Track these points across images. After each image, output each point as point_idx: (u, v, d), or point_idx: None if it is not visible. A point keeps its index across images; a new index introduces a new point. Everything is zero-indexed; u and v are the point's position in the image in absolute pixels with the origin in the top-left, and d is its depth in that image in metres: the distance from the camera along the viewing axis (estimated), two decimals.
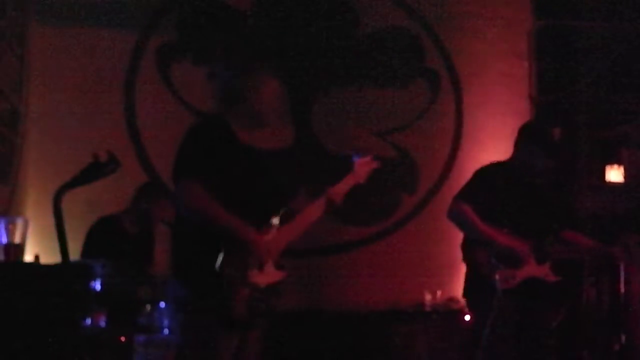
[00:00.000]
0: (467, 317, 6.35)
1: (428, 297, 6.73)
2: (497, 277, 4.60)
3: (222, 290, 3.54)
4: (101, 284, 4.93)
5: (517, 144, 4.93)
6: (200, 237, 3.61)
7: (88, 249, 5.66)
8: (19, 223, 4.47)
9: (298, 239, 3.90)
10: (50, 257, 4.94)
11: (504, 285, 4.59)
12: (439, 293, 6.77)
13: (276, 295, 3.75)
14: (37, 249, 5.81)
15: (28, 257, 5.70)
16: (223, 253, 3.55)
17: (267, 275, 3.70)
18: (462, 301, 6.55)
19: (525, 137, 4.90)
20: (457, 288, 6.74)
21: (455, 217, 4.78)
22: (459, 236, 4.94)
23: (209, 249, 3.56)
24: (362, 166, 4.20)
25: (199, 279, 3.60)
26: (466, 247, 4.85)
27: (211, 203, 3.57)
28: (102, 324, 4.80)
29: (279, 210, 3.82)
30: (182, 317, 3.71)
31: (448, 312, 6.61)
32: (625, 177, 6.91)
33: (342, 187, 4.07)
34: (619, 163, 6.93)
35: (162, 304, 5.05)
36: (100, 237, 5.71)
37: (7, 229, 4.41)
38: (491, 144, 6.77)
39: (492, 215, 4.69)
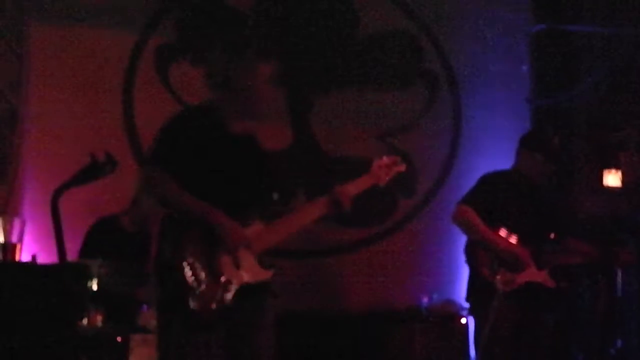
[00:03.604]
0: (464, 320, 6.35)
1: (424, 299, 6.73)
2: (497, 279, 4.65)
3: (183, 288, 3.31)
4: (98, 284, 4.93)
5: (520, 154, 5.01)
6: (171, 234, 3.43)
7: (87, 249, 5.66)
8: (16, 222, 4.48)
9: (294, 240, 3.73)
10: (48, 257, 4.97)
11: (504, 288, 4.65)
12: (435, 296, 6.78)
13: (271, 295, 3.58)
14: (34, 248, 5.82)
15: (25, 257, 5.70)
16: (184, 247, 3.34)
17: (248, 274, 3.46)
18: (459, 304, 6.62)
19: (527, 146, 5.00)
20: (454, 291, 6.79)
21: (460, 220, 4.85)
22: (456, 239, 4.99)
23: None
24: (383, 168, 3.96)
25: (165, 276, 3.42)
26: (469, 250, 4.89)
27: (174, 187, 3.38)
28: (99, 324, 4.79)
29: (260, 204, 3.57)
30: (156, 317, 3.57)
31: (445, 315, 6.61)
32: (622, 181, 6.90)
33: (352, 188, 3.77)
34: (617, 167, 6.93)
35: None
36: (99, 237, 5.71)
37: (4, 228, 4.42)
38: (489, 147, 6.78)
39: (495, 221, 4.76)
